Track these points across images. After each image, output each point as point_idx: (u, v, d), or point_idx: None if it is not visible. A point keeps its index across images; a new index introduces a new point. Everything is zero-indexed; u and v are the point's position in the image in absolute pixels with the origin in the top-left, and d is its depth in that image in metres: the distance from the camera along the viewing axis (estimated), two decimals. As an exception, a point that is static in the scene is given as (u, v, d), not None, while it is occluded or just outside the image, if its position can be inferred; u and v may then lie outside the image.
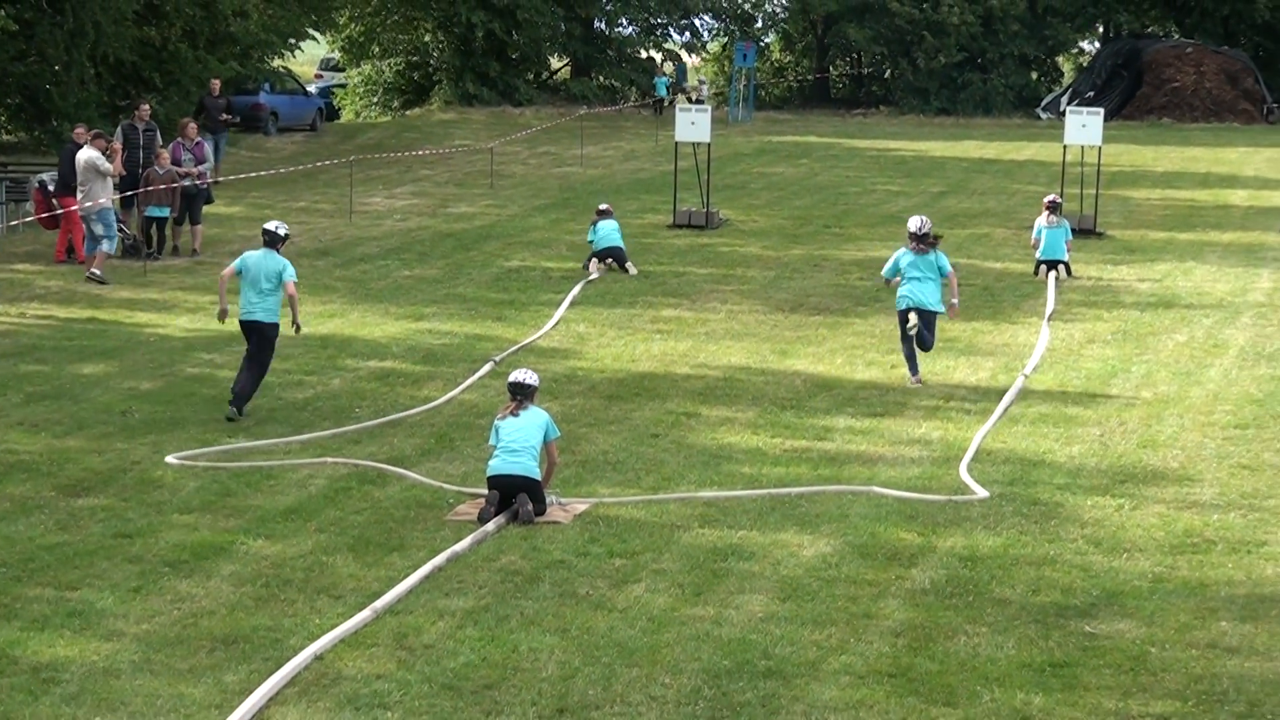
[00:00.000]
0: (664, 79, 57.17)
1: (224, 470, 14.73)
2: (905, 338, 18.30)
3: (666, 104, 54.95)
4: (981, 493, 13.91)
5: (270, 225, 17.04)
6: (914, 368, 18.34)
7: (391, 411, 17.00)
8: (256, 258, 16.78)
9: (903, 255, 18.53)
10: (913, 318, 18.07)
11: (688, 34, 62.87)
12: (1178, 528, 13.06)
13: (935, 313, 18.38)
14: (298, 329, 17.18)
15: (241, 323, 16.86)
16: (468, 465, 14.94)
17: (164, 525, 13.12)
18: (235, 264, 16.87)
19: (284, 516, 13.38)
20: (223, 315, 17.10)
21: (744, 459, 15.22)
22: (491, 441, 13.69)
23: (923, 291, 18.25)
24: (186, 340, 20.69)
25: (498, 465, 13.41)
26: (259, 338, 16.77)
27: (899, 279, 18.48)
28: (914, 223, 18.87)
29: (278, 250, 16.84)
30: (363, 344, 20.41)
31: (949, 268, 18.65)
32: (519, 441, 13.42)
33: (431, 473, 14.68)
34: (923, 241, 18.44)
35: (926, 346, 18.39)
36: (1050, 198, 25.91)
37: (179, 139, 28.07)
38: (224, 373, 18.68)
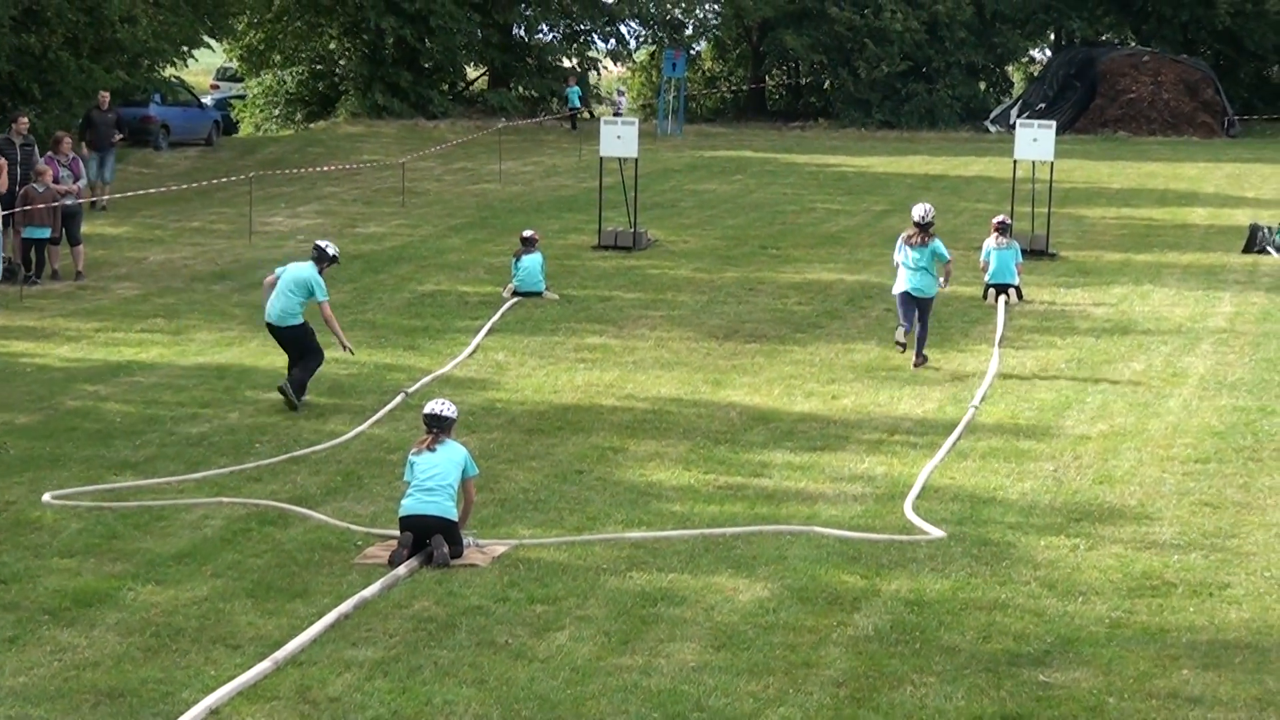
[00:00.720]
0: (576, 89, 57.30)
1: (109, 510, 14.60)
2: (901, 303, 21.01)
3: (580, 115, 55.03)
4: (935, 532, 13.98)
5: (322, 243, 19.29)
6: (906, 320, 20.89)
7: (295, 447, 16.90)
8: (294, 266, 18.94)
9: (902, 244, 21.10)
10: (899, 332, 20.99)
11: (613, 41, 63.07)
12: (1136, 569, 13.18)
13: (930, 298, 21.01)
14: (347, 350, 19.26)
15: (267, 325, 19.01)
16: (377, 505, 14.87)
17: (43, 570, 12.98)
18: (277, 271, 19.00)
19: (176, 560, 13.27)
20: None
21: (674, 497, 15.24)
22: (405, 478, 13.64)
23: (921, 280, 20.83)
24: (67, 371, 20.50)
25: (411, 504, 13.36)
26: (289, 341, 18.76)
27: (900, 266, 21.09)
28: (918, 211, 21.30)
29: (321, 268, 18.81)
30: (263, 374, 20.27)
31: (947, 255, 21.16)
32: (434, 479, 13.37)
33: (338, 513, 14.60)
34: (925, 231, 20.86)
35: (920, 336, 20.97)
36: (999, 218, 26.15)
37: (51, 154, 27.84)
38: (109, 405, 18.53)
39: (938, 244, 20.95)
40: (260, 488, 15.46)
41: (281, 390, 18.48)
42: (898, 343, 21.13)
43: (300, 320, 18.70)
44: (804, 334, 23.16)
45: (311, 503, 14.93)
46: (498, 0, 58.22)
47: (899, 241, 21.25)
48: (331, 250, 19.05)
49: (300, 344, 18.73)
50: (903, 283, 20.90)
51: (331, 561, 13.31)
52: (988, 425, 18.01)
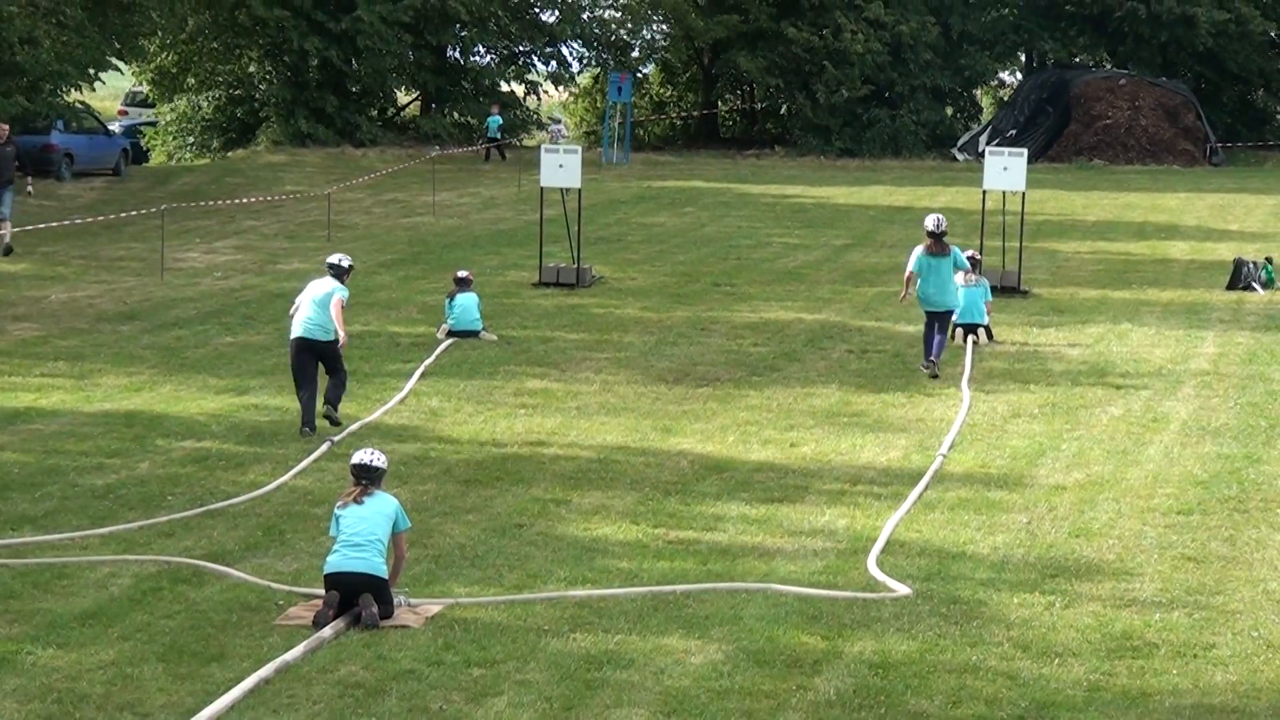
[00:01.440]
0: (497, 117, 56.61)
1: (6, 568, 14.48)
2: (928, 325, 23.12)
3: (501, 145, 54.65)
4: (901, 589, 14.02)
5: (332, 258, 20.42)
6: (929, 352, 22.89)
7: (210, 499, 16.82)
8: (317, 282, 20.01)
9: (921, 256, 23.05)
10: (924, 365, 23.01)
11: (554, 63, 63.29)
12: (1115, 629, 13.24)
13: (951, 311, 23.26)
14: (337, 342, 19.83)
15: (294, 340, 19.78)
16: (301, 561, 14.81)
17: (-62, 636, 12.86)
18: (298, 300, 20.09)
19: (80, 622, 13.17)
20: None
21: (621, 552, 15.23)
22: (331, 533, 13.60)
23: (941, 292, 23.00)
24: (-35, 418, 20.37)
25: (338, 561, 13.32)
26: (313, 352, 19.74)
27: (916, 277, 23.10)
28: (930, 221, 23.46)
29: (342, 280, 19.97)
30: (176, 421, 20.19)
31: (965, 263, 23.87)
32: (363, 534, 13.34)
33: (258, 570, 14.53)
34: (939, 240, 23.04)
35: (938, 346, 22.89)
36: (968, 252, 26.35)
37: None
38: (6, 455, 18.41)
39: (957, 252, 23.48)
40: (173, 543, 15.37)
41: (326, 417, 19.67)
42: (930, 374, 23.02)
43: (332, 337, 19.75)
44: (760, 377, 23.22)
45: (229, 559, 14.85)
46: (430, 19, 58.33)
47: (915, 254, 23.20)
48: (347, 263, 20.40)
49: (336, 357, 20.04)
50: (924, 298, 23.20)
51: (250, 622, 13.24)
52: (956, 474, 18.09)
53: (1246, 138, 60.14)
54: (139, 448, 18.97)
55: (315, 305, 19.74)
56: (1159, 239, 38.26)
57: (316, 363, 19.83)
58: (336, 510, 13.60)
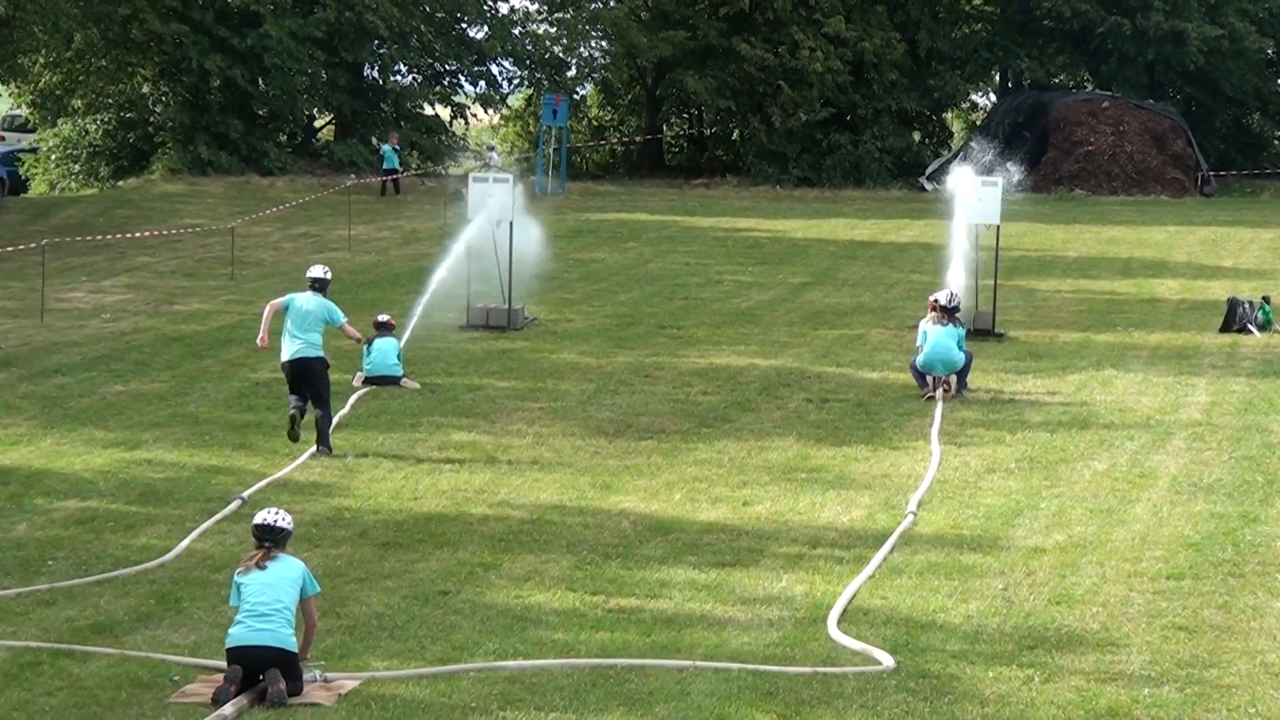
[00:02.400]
0: (392, 148, 55.64)
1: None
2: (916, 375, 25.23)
3: (397, 179, 54.09)
4: (886, 661, 14.01)
5: (316, 271, 22.11)
6: (925, 384, 24.99)
7: (97, 565, 16.72)
8: (303, 301, 21.56)
9: (927, 328, 25.22)
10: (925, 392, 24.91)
11: (482, 84, 63.40)
12: (1100, 705, 13.29)
13: (957, 364, 24.96)
14: (361, 342, 23.40)
15: (287, 363, 21.52)
16: (199, 633, 14.74)
17: None
18: (284, 300, 21.73)
19: (-47, 704, 13.08)
20: (263, 343, 21.82)
21: (557, 622, 15.22)
22: (232, 603, 13.54)
23: (949, 351, 24.93)
24: None
25: (240, 633, 13.26)
26: (309, 375, 21.44)
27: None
28: (944, 296, 25.60)
29: (324, 295, 21.72)
30: (58, 478, 20.08)
31: (962, 338, 25.27)
32: (268, 602, 13.29)
33: (151, 642, 14.45)
34: (949, 315, 25.13)
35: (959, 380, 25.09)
36: (942, 295, 26.54)
37: None
38: (-124, 518, 18.29)
39: (960, 330, 25.39)
40: (54, 613, 15.26)
41: (294, 418, 21.45)
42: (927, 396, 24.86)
43: (322, 354, 21.68)
44: (710, 429, 23.26)
45: (118, 630, 14.77)
46: (345, 35, 58.36)
47: (920, 327, 25.44)
48: (329, 275, 22.27)
49: (320, 380, 21.63)
50: (927, 362, 25.06)
51: (142, 701, 13.16)
52: (926, 536, 18.13)
53: (1241, 165, 60.71)
54: (15, 507, 18.86)
55: (303, 326, 21.50)
56: (1146, 276, 38.55)
57: (315, 378, 21.66)
58: (237, 577, 13.54)
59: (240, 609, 13.37)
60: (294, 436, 21.54)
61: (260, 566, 13.45)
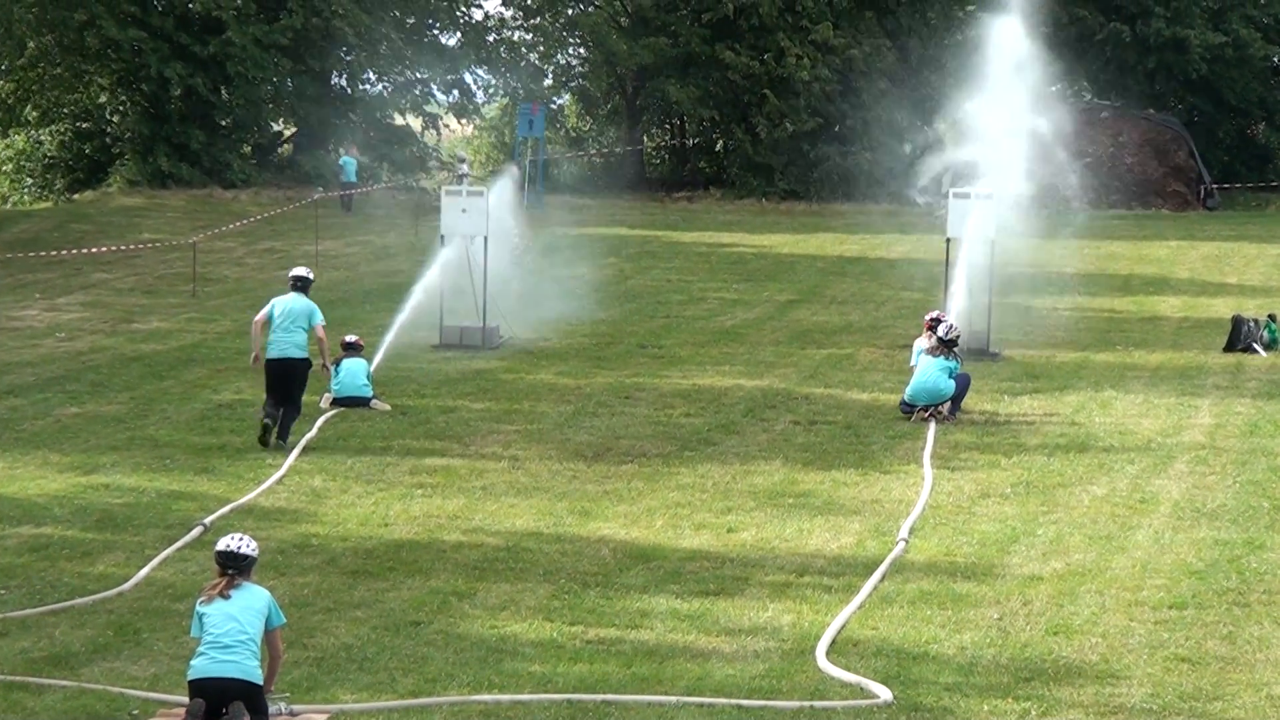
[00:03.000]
0: (351, 159, 55.41)
1: None
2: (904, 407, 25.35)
3: (351, 193, 53.66)
4: (883, 694, 14.04)
5: (299, 270, 24.02)
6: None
7: (52, 595, 16.70)
8: (286, 301, 23.32)
9: (921, 351, 25.46)
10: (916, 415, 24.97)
11: (455, 93, 63.47)
12: (1100, 737, 13.34)
13: (949, 397, 25.07)
14: (325, 368, 24.02)
15: (271, 362, 23.15)
16: (159, 665, 14.74)
17: None
18: (266, 310, 23.41)
19: (-97, 741, 13.07)
20: (256, 361, 23.49)
21: (533, 653, 15.24)
22: (193, 634, 13.53)
23: (936, 384, 25.06)
24: None
25: (203, 665, 13.24)
26: (290, 375, 23.14)
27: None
28: (944, 328, 25.55)
29: (306, 294, 23.44)
30: (11, 504, 20.06)
31: (958, 369, 25.39)
32: (231, 633, 13.27)
33: (109, 675, 14.44)
34: (947, 347, 25.23)
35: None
36: (934, 314, 26.63)
37: None
38: None
39: (955, 362, 25.48)
40: (7, 644, 15.25)
41: (266, 427, 23.02)
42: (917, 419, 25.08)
43: (306, 354, 23.35)
44: (693, 452, 23.30)
45: (74, 662, 14.76)
46: (312, 42, 58.36)
47: (915, 346, 25.70)
48: (312, 274, 24.20)
49: (297, 382, 23.41)
50: (914, 394, 25.26)
51: (101, 738, 13.17)
52: (918, 564, 18.17)
53: (1245, 178, 60.88)
54: (-29, 535, 18.86)
55: (286, 325, 23.26)
56: (1147, 294, 38.66)
57: (292, 380, 23.28)
58: (199, 607, 13.52)
59: (203, 639, 13.35)
60: (265, 443, 22.97)
61: (224, 595, 13.43)
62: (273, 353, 23.31)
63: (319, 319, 23.57)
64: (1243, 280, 40.92)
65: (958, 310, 28.94)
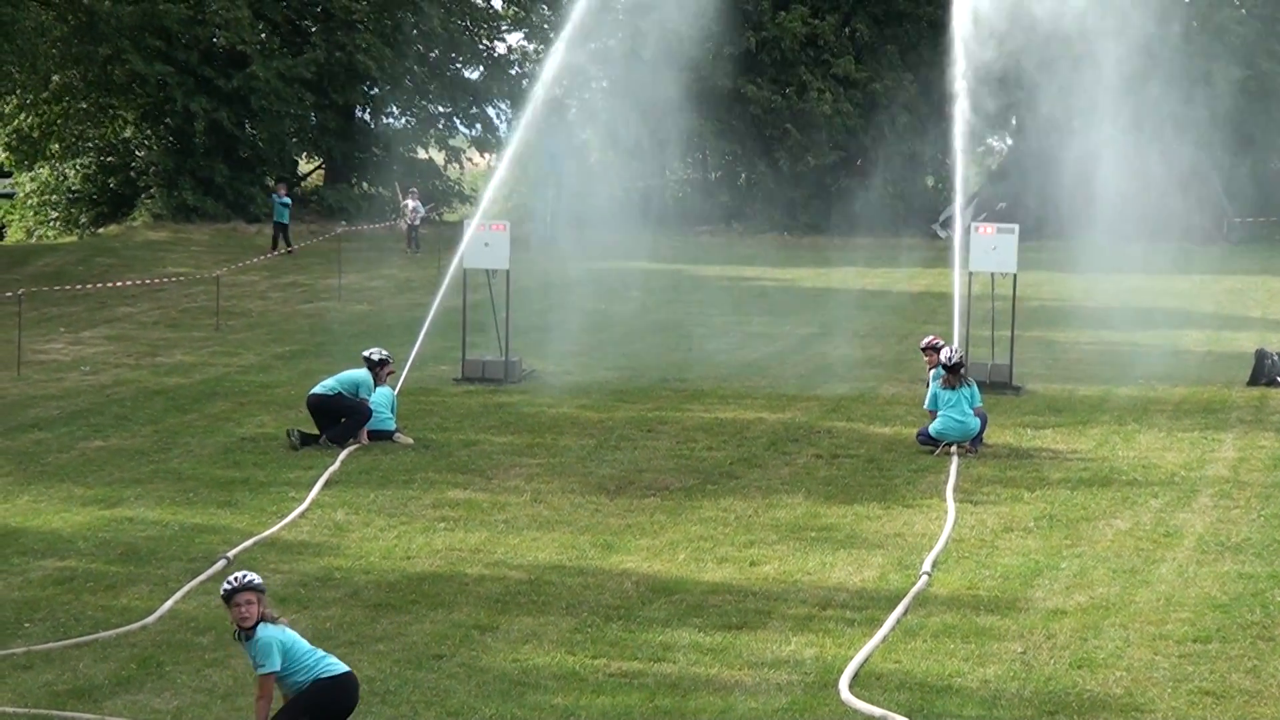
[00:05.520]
0: (283, 197, 52.77)
1: None
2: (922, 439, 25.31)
3: (285, 233, 51.63)
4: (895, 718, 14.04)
5: (369, 352, 26.30)
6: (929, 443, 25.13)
7: (76, 627, 16.74)
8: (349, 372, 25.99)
9: (936, 388, 25.18)
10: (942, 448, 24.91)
11: (478, 127, 63.63)
12: (1124, 771, 13.32)
13: (973, 434, 24.98)
14: (355, 440, 25.15)
15: (310, 396, 25.65)
16: (183, 698, 14.76)
17: None
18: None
19: (-73, 773, 13.10)
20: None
21: (556, 686, 15.24)
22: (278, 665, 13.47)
23: (962, 424, 24.91)
24: None
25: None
26: (327, 407, 25.29)
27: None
28: (945, 354, 25.36)
29: (375, 375, 25.81)
30: (36, 537, 20.11)
31: (979, 402, 25.27)
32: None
33: (132, 708, 14.47)
34: (954, 373, 24.98)
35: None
36: (929, 340, 26.71)
37: None
38: None
39: (973, 389, 25.27)
40: (31, 677, 15.29)
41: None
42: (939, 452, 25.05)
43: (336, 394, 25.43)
44: (715, 485, 23.30)
45: (97, 695, 14.79)
46: (335, 76, 58.60)
47: (931, 388, 25.49)
48: (378, 356, 26.15)
49: (336, 414, 25.38)
50: (939, 431, 25.06)
51: (125, 771, 13.20)
52: (941, 597, 18.16)
53: (1269, 212, 60.82)
54: (-5, 568, 18.91)
55: (335, 383, 25.53)
56: (1170, 328, 38.62)
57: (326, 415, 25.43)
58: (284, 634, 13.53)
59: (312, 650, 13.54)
60: (297, 447, 25.02)
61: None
62: (314, 389, 25.78)
63: (365, 394, 25.52)
64: (1266, 314, 40.89)
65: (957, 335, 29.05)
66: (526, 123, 41.20)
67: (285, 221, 52.07)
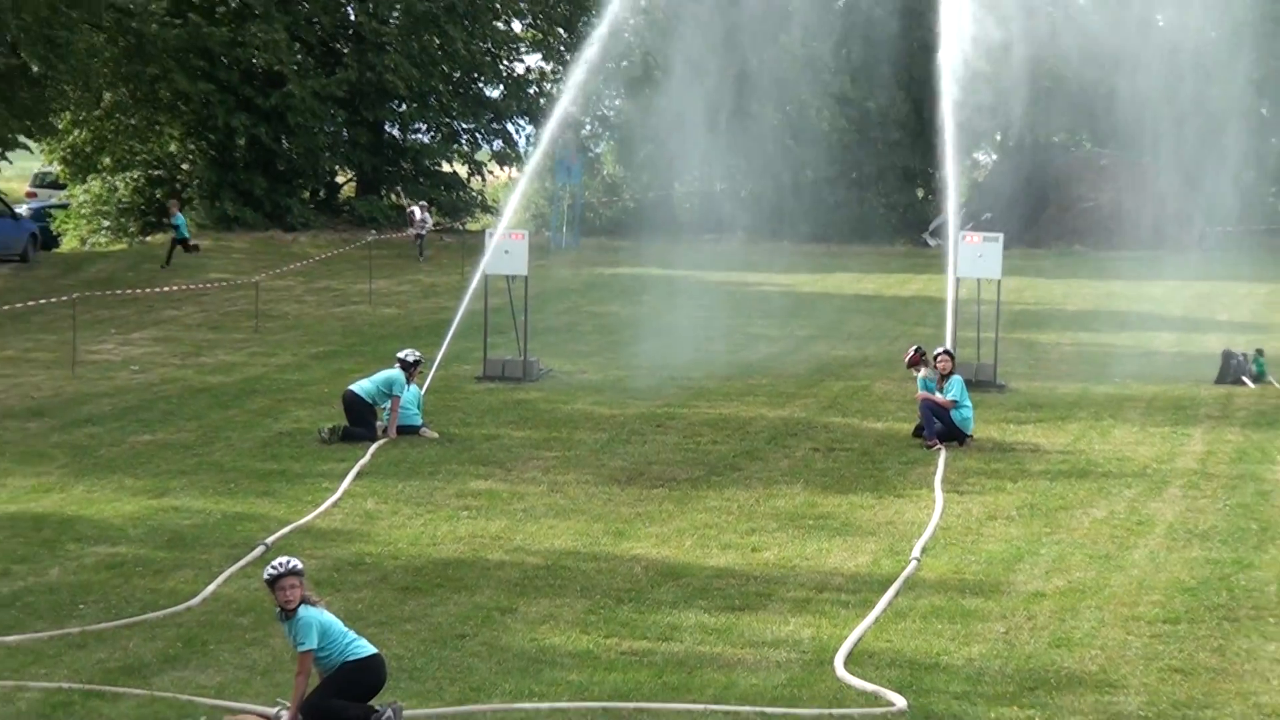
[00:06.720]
0: (181, 216, 50.72)
1: (-89, 687, 14.45)
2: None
3: (187, 245, 49.09)
4: (898, 702, 14.07)
5: (403, 353, 26.44)
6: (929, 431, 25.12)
7: (127, 609, 16.79)
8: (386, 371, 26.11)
9: (930, 385, 25.40)
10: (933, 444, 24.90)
11: (499, 141, 63.64)
12: (1098, 743, 13.35)
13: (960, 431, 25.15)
14: (385, 432, 25.39)
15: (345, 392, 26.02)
16: (225, 674, 14.81)
17: None
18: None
19: (-13, 743, 13.17)
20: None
21: (571, 664, 15.28)
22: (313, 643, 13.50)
23: (967, 408, 25.26)
24: None
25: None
26: (357, 406, 25.58)
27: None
28: (910, 353, 26.38)
29: (408, 375, 25.90)
30: (89, 525, 20.17)
31: (955, 394, 25.24)
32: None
33: (178, 684, 14.53)
34: (921, 364, 25.65)
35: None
36: (913, 351, 26.76)
37: None
38: (-88, 563, 18.41)
39: (955, 382, 25.45)
40: (85, 655, 15.35)
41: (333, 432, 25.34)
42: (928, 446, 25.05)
43: (370, 402, 25.66)
44: (720, 477, 23.33)
45: (146, 672, 14.85)
46: (366, 95, 58.66)
47: (923, 385, 25.60)
48: (412, 357, 26.23)
49: (362, 415, 25.60)
50: (967, 414, 25.42)
51: (171, 742, 13.25)
52: (929, 581, 18.19)
53: (1236, 222, 60.74)
54: (48, 553, 18.94)
55: (373, 381, 25.77)
56: (1143, 330, 38.62)
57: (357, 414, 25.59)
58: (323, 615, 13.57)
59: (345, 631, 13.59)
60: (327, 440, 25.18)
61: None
62: (352, 386, 26.09)
63: (399, 392, 25.61)
64: (1233, 317, 40.87)
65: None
66: (546, 140, 41.24)
67: (185, 236, 49.44)
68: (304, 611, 13.40)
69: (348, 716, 13.32)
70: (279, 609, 13.43)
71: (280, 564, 13.49)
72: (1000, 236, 31.01)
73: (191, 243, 49.85)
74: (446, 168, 63.34)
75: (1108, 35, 48.50)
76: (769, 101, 59.15)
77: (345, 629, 13.61)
